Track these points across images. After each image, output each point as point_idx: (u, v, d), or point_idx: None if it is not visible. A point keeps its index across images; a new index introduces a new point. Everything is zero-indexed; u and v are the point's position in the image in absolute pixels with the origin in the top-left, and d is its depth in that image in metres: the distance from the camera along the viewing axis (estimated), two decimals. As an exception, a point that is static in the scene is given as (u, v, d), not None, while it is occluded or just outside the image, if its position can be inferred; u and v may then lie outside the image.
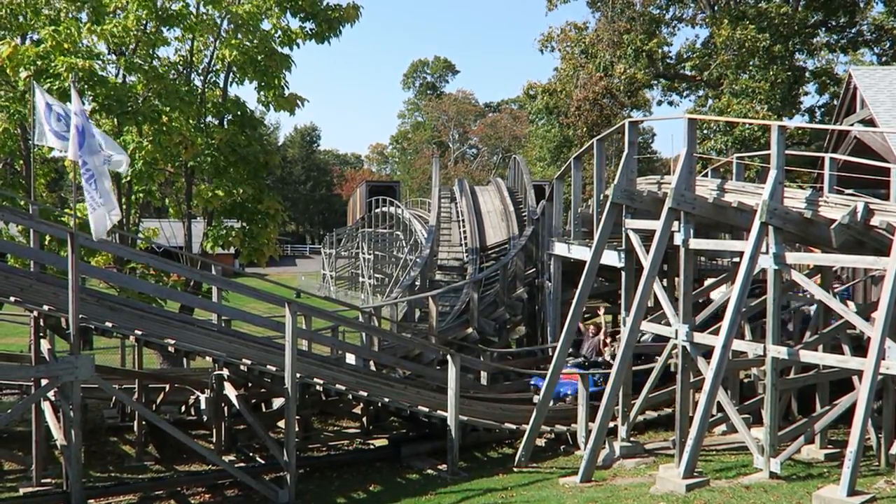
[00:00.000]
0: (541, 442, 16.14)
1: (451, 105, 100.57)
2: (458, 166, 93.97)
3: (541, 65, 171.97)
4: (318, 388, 14.34)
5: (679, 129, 15.18)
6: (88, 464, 14.44)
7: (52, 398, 13.06)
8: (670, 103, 44.93)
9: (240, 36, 19.65)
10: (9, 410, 13.83)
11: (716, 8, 39.25)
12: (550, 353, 18.98)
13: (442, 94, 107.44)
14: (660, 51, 40.88)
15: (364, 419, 17.82)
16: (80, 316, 11.31)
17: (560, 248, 21.40)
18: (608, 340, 18.22)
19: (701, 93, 41.60)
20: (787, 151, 12.72)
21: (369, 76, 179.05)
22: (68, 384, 11.30)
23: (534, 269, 27.86)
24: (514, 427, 16.23)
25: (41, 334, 13.58)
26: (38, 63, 16.99)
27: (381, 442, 17.13)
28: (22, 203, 16.42)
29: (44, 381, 12.12)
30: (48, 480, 13.26)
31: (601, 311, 20.02)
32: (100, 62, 18.60)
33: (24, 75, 17.01)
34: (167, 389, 16.66)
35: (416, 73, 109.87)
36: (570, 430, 16.53)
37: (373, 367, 17.92)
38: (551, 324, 22.34)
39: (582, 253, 18.86)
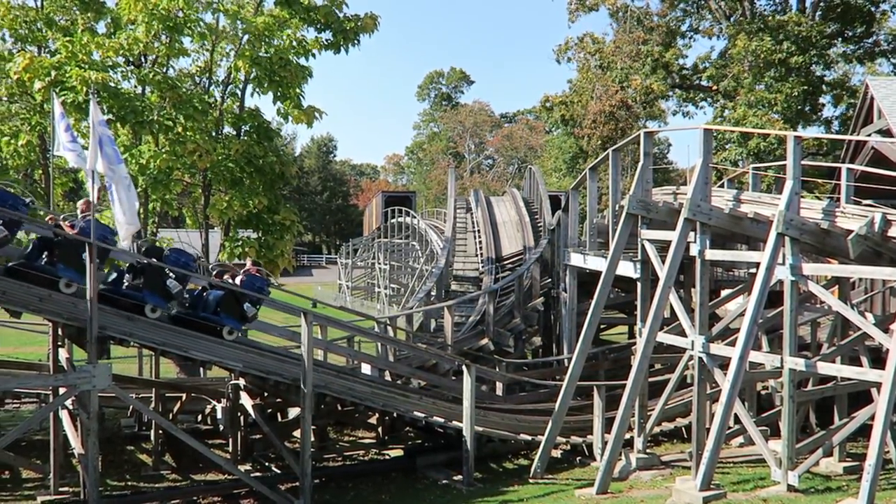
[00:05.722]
0: (557, 453, 16.11)
1: (467, 116, 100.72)
2: (473, 177, 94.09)
3: (557, 75, 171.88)
4: (333, 398, 14.36)
5: (695, 140, 15.14)
6: (105, 472, 14.52)
7: (70, 407, 13.16)
8: (686, 114, 44.78)
9: (255, 47, 19.79)
10: (27, 419, 13.93)
11: (732, 19, 39.15)
12: (566, 364, 18.93)
13: (458, 104, 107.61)
14: (676, 62, 40.81)
15: (379, 429, 17.84)
16: (98, 325, 11.40)
17: (576, 259, 21.36)
18: None
19: (718, 104, 41.49)
20: (803, 162, 12.68)
21: (385, 87, 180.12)
22: (86, 393, 11.37)
23: (549, 280, 27.78)
24: (529, 438, 16.20)
25: (59, 343, 13.71)
26: (53, 74, 17.20)
27: (396, 452, 17.14)
28: (41, 213, 16.55)
29: (62, 390, 12.21)
30: (66, 489, 13.37)
31: None
32: (115, 73, 18.79)
33: (39, 86, 17.20)
34: (184, 399, 16.75)
35: (431, 83, 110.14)
36: (587, 442, 16.48)
37: (388, 378, 17.92)
38: (567, 335, 22.28)
39: (598, 264, 18.82)
